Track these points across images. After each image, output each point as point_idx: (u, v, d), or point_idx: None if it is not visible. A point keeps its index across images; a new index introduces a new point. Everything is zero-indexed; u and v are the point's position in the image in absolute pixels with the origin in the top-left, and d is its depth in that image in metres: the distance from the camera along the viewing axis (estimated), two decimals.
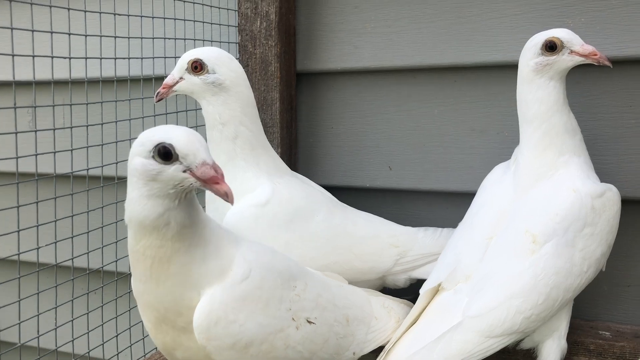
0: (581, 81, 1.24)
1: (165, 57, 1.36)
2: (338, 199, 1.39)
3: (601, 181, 1.23)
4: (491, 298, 0.99)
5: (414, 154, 1.40)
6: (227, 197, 0.78)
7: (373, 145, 1.44)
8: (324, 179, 1.48)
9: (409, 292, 1.26)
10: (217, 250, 0.88)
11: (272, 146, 1.39)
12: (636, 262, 1.26)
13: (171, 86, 1.15)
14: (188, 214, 0.84)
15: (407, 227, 1.29)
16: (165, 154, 0.79)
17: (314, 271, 1.06)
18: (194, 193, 0.86)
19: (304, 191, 1.21)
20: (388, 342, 1.06)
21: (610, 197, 1.05)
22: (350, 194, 1.47)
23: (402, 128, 1.41)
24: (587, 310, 1.30)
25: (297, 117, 1.49)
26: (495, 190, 1.15)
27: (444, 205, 1.38)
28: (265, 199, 1.14)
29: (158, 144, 0.80)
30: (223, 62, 1.15)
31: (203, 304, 0.86)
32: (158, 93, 1.15)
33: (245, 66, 1.40)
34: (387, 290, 1.28)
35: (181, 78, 1.15)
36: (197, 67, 1.13)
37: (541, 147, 1.08)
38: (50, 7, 1.14)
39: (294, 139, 1.47)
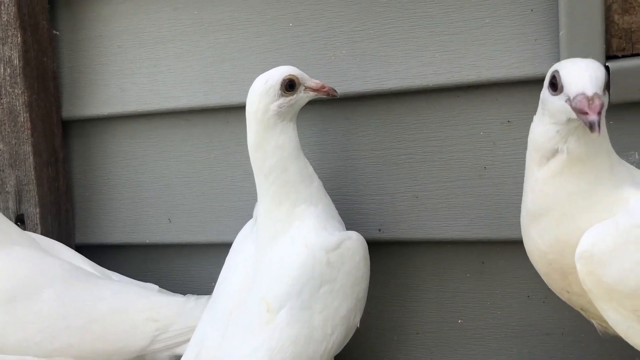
0: (350, 117, 1.16)
1: None
2: (115, 259, 1.25)
3: (377, 223, 1.15)
4: None
5: (193, 204, 1.27)
6: None
7: (151, 196, 1.30)
8: (103, 236, 1.33)
9: None
10: None
11: (29, 206, 1.23)
12: (423, 308, 1.17)
13: None
14: None
15: (176, 296, 1.15)
16: None
17: None
18: None
19: (32, 263, 1.04)
20: None
21: (349, 246, 0.95)
22: (130, 252, 1.33)
23: (180, 175, 1.28)
24: None
25: (67, 169, 1.33)
26: (239, 254, 1.04)
27: (224, 259, 1.25)
28: None
29: None
30: None
31: None
32: None
33: None
34: None
35: None
36: None
37: (277, 200, 0.97)
38: None
39: (64, 196, 1.31)
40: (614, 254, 0.74)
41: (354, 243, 0.96)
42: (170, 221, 1.29)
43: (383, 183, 1.15)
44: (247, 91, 1.21)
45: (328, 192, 1.16)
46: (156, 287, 1.18)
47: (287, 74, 0.96)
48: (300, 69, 1.15)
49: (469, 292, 1.14)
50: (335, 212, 1.01)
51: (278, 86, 0.96)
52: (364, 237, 1.14)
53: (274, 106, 0.96)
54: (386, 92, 1.12)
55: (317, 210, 0.97)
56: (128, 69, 1.28)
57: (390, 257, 1.17)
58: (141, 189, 1.31)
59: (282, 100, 0.96)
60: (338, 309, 0.93)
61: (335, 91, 1.01)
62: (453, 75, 1.08)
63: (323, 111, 1.17)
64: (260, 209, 1.00)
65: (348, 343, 0.99)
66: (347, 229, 1.13)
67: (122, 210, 1.32)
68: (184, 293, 1.20)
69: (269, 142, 0.97)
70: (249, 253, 1.02)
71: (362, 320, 1.15)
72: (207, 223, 1.26)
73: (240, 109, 1.22)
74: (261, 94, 0.96)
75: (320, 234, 0.95)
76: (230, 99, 1.21)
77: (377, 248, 1.17)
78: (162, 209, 1.29)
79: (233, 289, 1.00)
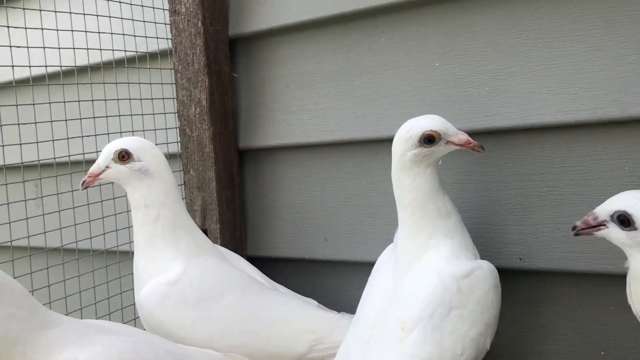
0: (493, 150, 1.22)
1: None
2: (279, 271, 1.43)
3: (518, 252, 1.20)
4: None
5: (346, 225, 1.42)
6: None
7: (310, 218, 1.47)
8: (268, 250, 1.53)
9: None
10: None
11: (211, 222, 1.47)
12: (568, 334, 1.19)
13: (97, 175, 1.24)
14: None
15: (332, 312, 1.29)
16: None
17: (201, 355, 1.07)
18: None
19: (217, 271, 1.25)
20: None
21: (479, 275, 1.02)
22: (290, 265, 1.51)
23: (335, 200, 1.44)
24: None
25: (241, 192, 1.56)
26: (380, 275, 1.15)
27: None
28: (175, 278, 1.20)
29: None
30: (146, 149, 1.24)
31: None
32: (84, 182, 1.25)
33: (185, 149, 1.50)
34: None
35: (107, 167, 1.24)
36: (123, 156, 1.22)
37: (415, 230, 1.07)
38: None
39: (239, 214, 1.54)
40: None
41: (485, 272, 1.03)
42: (326, 240, 1.45)
43: (525, 214, 1.19)
44: (395, 126, 1.33)
45: (471, 220, 1.24)
46: (315, 302, 1.34)
47: (428, 130, 1.04)
48: (444, 106, 1.25)
49: (612, 325, 1.14)
50: (470, 246, 1.08)
51: (417, 138, 1.05)
52: (504, 265, 1.21)
53: (410, 153, 1.06)
54: (529, 127, 1.17)
55: (452, 242, 1.06)
56: (293, 106, 1.47)
57: (531, 286, 1.21)
58: (302, 210, 1.49)
59: (420, 150, 1.05)
60: (467, 332, 1.00)
61: (482, 147, 1.06)
62: (596, 111, 1.10)
63: None
64: (399, 236, 1.11)
65: None
66: (488, 256, 1.21)
67: (285, 228, 1.51)
68: (334, 308, 1.34)
69: (405, 181, 1.07)
70: (388, 275, 1.13)
71: (502, 344, 1.21)
72: (357, 243, 1.40)
73: (388, 141, 1.34)
74: (401, 140, 1.07)
75: (452, 263, 1.03)
76: (380, 133, 1.34)
77: (517, 276, 1.22)
78: (320, 229, 1.46)
79: (373, 308, 1.11)
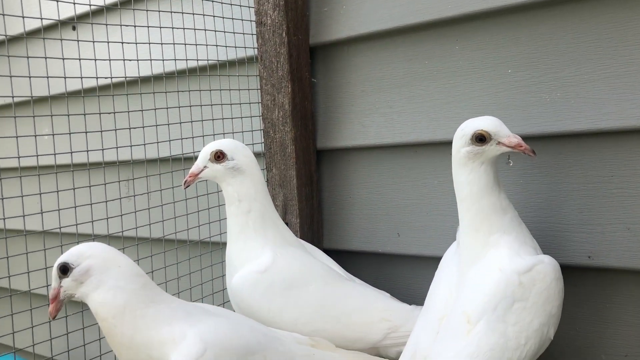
0: (562, 152, 1.28)
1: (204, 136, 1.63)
2: (352, 263, 1.54)
3: (587, 251, 1.26)
4: None
5: (418, 222, 1.51)
6: None
7: (383, 214, 1.57)
8: (343, 244, 1.64)
9: None
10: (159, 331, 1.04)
11: (292, 217, 1.59)
12: (634, 331, 1.24)
13: (197, 174, 1.39)
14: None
15: (404, 303, 1.38)
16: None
17: (288, 337, 1.20)
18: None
19: (302, 262, 1.37)
20: None
21: (540, 269, 1.08)
22: (364, 258, 1.62)
23: (407, 197, 1.53)
24: None
25: (319, 189, 1.67)
26: (446, 270, 1.23)
27: None
28: (265, 266, 1.33)
29: None
30: (239, 150, 1.37)
31: None
32: (186, 181, 1.40)
33: (268, 149, 1.62)
34: None
35: (205, 166, 1.38)
36: (219, 156, 1.36)
37: (474, 227, 1.14)
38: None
39: (316, 209, 1.65)
40: None
41: (546, 267, 1.09)
42: (399, 235, 1.55)
43: (594, 214, 1.25)
44: None
45: (541, 219, 1.31)
46: (388, 294, 1.44)
47: (480, 129, 1.11)
48: (516, 110, 1.32)
49: None
50: (529, 239, 1.15)
51: (469, 136, 1.12)
52: (573, 262, 1.27)
53: (464, 150, 1.13)
54: (599, 132, 1.23)
55: (510, 239, 1.12)
56: (368, 110, 1.57)
57: (598, 283, 1.27)
58: (375, 206, 1.59)
59: (471, 147, 1.12)
60: (531, 323, 1.07)
61: (533, 152, 1.10)
62: None
63: (535, 146, 1.31)
64: (460, 234, 1.19)
65: None
66: (557, 253, 1.27)
67: (359, 223, 1.61)
68: (404, 300, 1.42)
69: (460, 176, 1.15)
70: (453, 271, 1.21)
71: (567, 338, 1.27)
72: (429, 239, 1.49)
73: None
74: (457, 137, 1.15)
75: (513, 259, 1.10)
76: (453, 136, 1.42)
77: (586, 274, 1.28)
78: (392, 225, 1.56)
79: (440, 301, 1.19)
